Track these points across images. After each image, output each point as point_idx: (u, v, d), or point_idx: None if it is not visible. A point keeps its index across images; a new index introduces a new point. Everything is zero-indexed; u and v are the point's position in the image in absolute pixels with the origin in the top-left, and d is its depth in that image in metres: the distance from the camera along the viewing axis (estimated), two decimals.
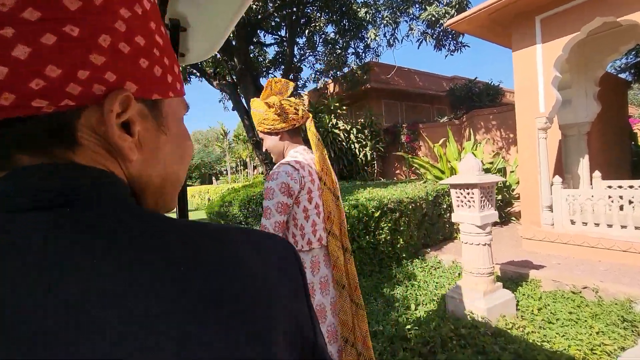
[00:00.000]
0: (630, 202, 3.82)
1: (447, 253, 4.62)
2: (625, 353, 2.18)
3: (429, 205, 4.89)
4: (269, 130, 1.41)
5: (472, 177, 2.76)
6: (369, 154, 10.90)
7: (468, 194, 2.83)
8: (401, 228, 4.29)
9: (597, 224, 4.06)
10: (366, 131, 11.19)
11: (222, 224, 0.44)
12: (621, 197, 3.89)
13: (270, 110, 1.35)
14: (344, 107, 11.11)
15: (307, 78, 13.90)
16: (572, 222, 4.26)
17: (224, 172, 28.03)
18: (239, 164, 22.66)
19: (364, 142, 11.03)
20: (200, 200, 18.01)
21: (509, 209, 6.44)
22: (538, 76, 4.42)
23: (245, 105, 12.20)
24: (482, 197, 2.79)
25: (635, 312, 2.68)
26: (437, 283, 3.79)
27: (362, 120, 11.65)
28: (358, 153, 10.87)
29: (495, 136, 9.08)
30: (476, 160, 2.86)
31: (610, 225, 3.96)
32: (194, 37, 1.07)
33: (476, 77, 12.17)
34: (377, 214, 4.00)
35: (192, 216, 15.11)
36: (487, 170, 6.23)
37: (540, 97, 4.40)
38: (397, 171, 11.76)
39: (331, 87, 14.28)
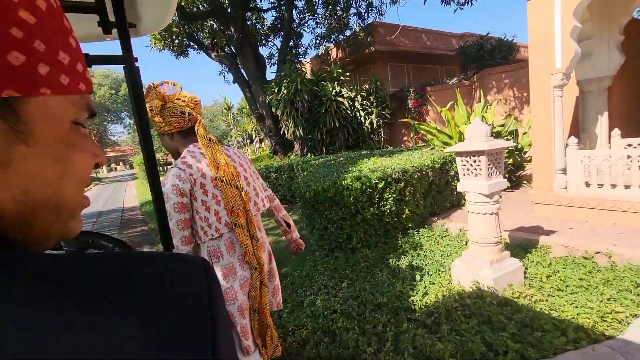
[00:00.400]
0: None
1: (455, 221, 4.54)
2: (637, 320, 2.11)
3: (436, 173, 4.74)
4: (158, 131, 1.49)
5: (479, 143, 2.59)
6: (374, 122, 10.59)
7: (475, 161, 2.67)
8: (407, 198, 4.19)
9: (613, 186, 3.86)
10: (371, 98, 10.78)
11: (122, 254, 0.45)
12: None
13: (151, 113, 1.41)
14: (348, 74, 10.64)
15: (308, 44, 13.30)
16: (587, 185, 4.07)
17: (232, 147, 28.00)
18: (245, 137, 22.51)
19: (370, 110, 10.68)
20: None
21: (520, 172, 6.23)
22: (555, 27, 4.03)
23: (246, 76, 11.84)
24: (489, 165, 2.63)
25: None
26: (443, 252, 3.74)
27: (367, 86, 11.21)
28: (363, 121, 10.56)
29: (508, 96, 8.62)
30: (484, 125, 2.67)
31: (628, 187, 3.76)
32: (143, 4, 0.92)
33: (488, 33, 11.38)
34: (381, 185, 3.89)
35: None
36: (497, 134, 5.96)
37: (557, 51, 4.04)
38: (405, 138, 11.44)
39: (334, 53, 13.66)
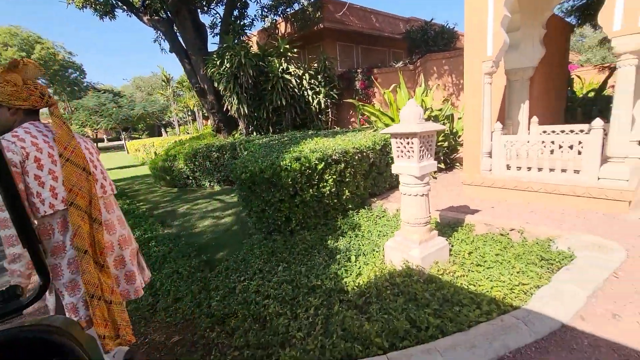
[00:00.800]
0: (560, 146, 3.98)
1: (393, 201, 4.67)
2: (539, 291, 2.33)
3: (377, 154, 4.80)
4: (1, 102, 1.47)
5: (412, 125, 2.59)
6: (322, 102, 10.46)
7: (408, 143, 2.68)
8: (347, 179, 4.18)
9: (529, 168, 4.25)
10: (320, 77, 10.58)
11: None
12: (553, 142, 4.04)
13: (8, 85, 1.42)
14: (295, 50, 10.25)
15: (255, 15, 12.48)
16: (508, 167, 4.43)
17: (173, 123, 25.95)
18: (187, 114, 20.91)
19: (318, 89, 10.49)
20: (146, 155, 16.69)
21: (454, 155, 6.61)
22: (488, 16, 4.18)
23: (184, 45, 10.81)
24: (421, 147, 2.66)
25: (552, 251, 2.88)
26: (380, 232, 3.82)
27: (315, 64, 10.95)
28: (311, 100, 10.36)
29: (447, 82, 9.03)
30: (418, 107, 2.67)
31: (540, 169, 4.16)
32: None
33: (432, 19, 11.70)
34: (320, 166, 3.81)
35: (136, 172, 14.04)
36: (435, 118, 6.21)
37: (489, 39, 4.22)
38: (352, 119, 11.53)
39: (282, 28, 13.05)
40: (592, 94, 8.24)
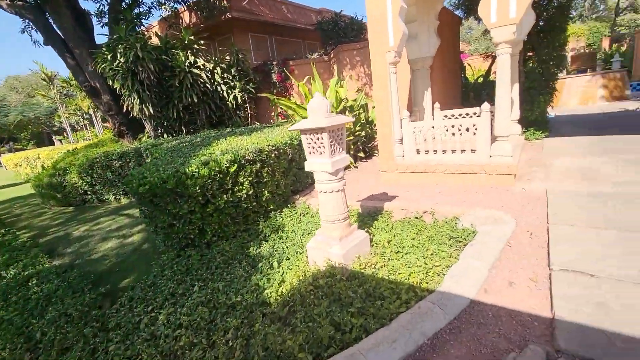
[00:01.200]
0: (459, 129, 4.35)
1: (316, 197, 4.58)
2: (450, 270, 2.46)
3: (295, 149, 4.65)
4: None
5: (320, 120, 2.48)
6: (239, 97, 9.91)
7: (318, 139, 2.57)
8: (265, 179, 3.95)
9: (435, 152, 4.57)
10: (233, 70, 9.99)
11: None
12: (453, 126, 4.38)
13: None
14: (203, 42, 9.46)
15: (152, 3, 11.14)
16: (418, 152, 4.70)
17: (64, 132, 21.81)
18: (82, 118, 18.00)
19: (232, 83, 9.90)
20: (31, 170, 13.91)
21: (372, 143, 6.85)
22: (387, 8, 4.30)
23: (63, 37, 9.11)
24: (332, 142, 2.57)
25: (459, 229, 3.10)
26: (304, 230, 3.71)
27: (227, 57, 10.30)
28: (227, 96, 9.74)
29: (360, 72, 9.32)
30: (324, 100, 2.56)
31: (444, 152, 4.51)
32: None
33: (342, 10, 11.94)
34: (233, 169, 3.50)
35: (18, 192, 11.62)
36: (351, 108, 6.32)
37: (390, 30, 4.36)
38: (273, 114, 11.24)
39: (186, 17, 11.94)
40: (480, 80, 9.36)
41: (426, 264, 2.60)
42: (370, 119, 6.62)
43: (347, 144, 6.10)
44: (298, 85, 6.22)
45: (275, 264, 3.00)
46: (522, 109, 6.27)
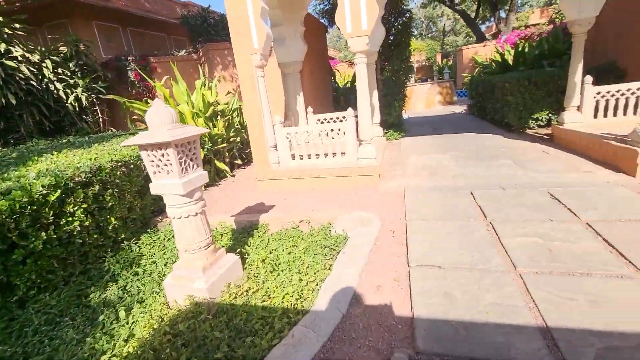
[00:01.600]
0: (329, 134, 4.47)
1: None
2: (324, 284, 2.38)
3: None
4: None
5: (162, 133, 2.03)
6: (83, 98, 8.09)
7: (163, 156, 2.11)
8: (110, 204, 3.18)
9: (309, 156, 4.60)
10: (72, 64, 8.09)
11: None
12: (324, 131, 4.48)
13: None
14: (20, 26, 7.29)
15: None
16: (293, 157, 4.65)
17: None
18: None
19: (73, 81, 8.01)
20: None
21: (249, 149, 6.53)
22: (248, 8, 4.06)
23: None
24: (181, 158, 2.16)
25: (332, 235, 3.12)
26: (168, 259, 3.14)
27: (63, 48, 8.26)
28: (65, 96, 7.81)
29: (233, 73, 8.84)
30: (167, 109, 2.12)
31: (317, 156, 4.58)
32: None
33: (209, 6, 11.13)
34: (54, 196, 2.65)
35: None
36: (222, 112, 5.84)
37: (253, 32, 4.13)
38: (136, 117, 9.62)
39: None
40: (349, 85, 10.19)
41: (301, 280, 2.48)
42: (245, 124, 6.28)
43: (222, 152, 5.63)
44: (154, 85, 5.37)
45: (123, 313, 2.39)
46: (382, 113, 7.03)
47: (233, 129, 5.84)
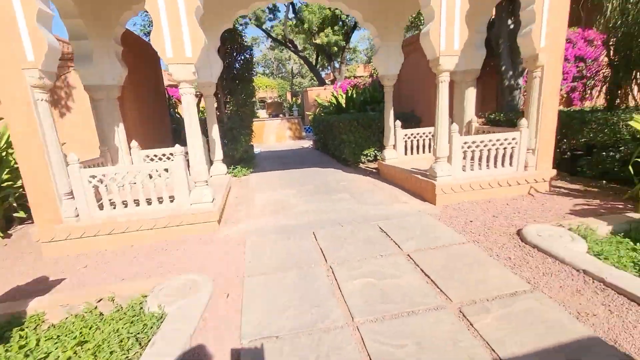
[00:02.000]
0: (151, 176, 3.64)
1: None
2: None
3: None
4: None
5: None
6: None
7: None
8: None
9: (124, 204, 3.61)
10: None
11: None
12: (144, 172, 3.61)
13: None
14: None
15: None
16: (101, 207, 3.55)
17: None
18: None
19: None
20: None
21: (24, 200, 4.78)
22: (15, 7, 2.93)
23: None
24: None
25: (144, 315, 2.32)
26: None
27: None
28: None
29: None
30: None
31: (137, 203, 3.65)
32: None
33: None
34: None
35: None
36: None
37: (26, 39, 2.99)
38: None
39: None
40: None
41: None
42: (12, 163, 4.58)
43: None
44: None
45: None
46: (228, 148, 6.57)
47: (7, 169, 4.13)
